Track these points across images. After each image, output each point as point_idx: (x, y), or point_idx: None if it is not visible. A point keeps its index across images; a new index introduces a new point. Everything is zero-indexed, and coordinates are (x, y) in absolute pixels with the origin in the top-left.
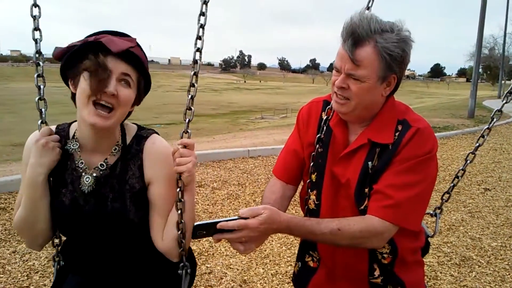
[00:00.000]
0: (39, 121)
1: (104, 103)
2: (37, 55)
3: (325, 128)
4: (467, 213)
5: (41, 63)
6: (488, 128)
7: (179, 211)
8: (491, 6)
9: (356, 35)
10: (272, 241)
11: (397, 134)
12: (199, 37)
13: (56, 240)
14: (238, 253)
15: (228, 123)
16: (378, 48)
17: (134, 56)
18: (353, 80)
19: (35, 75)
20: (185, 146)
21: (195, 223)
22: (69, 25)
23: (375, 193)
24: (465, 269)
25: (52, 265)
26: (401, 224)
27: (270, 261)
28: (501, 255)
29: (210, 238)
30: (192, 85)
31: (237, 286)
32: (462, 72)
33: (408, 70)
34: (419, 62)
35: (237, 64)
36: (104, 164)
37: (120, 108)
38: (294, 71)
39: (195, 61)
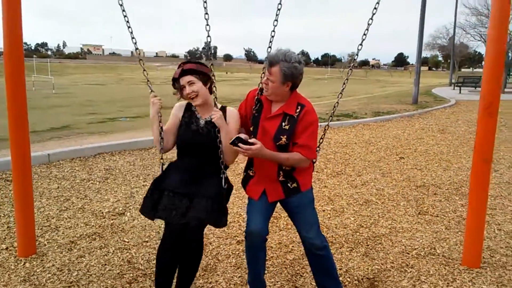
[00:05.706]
0: (150, 91)
1: (188, 97)
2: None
3: (258, 103)
4: (380, 174)
5: (142, 62)
6: (327, 125)
7: (219, 140)
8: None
9: (270, 60)
10: None
11: (297, 110)
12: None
13: (162, 151)
14: None
15: None
16: (280, 68)
17: (191, 70)
18: (270, 81)
19: (142, 71)
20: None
21: (237, 135)
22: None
23: (302, 145)
24: (364, 207)
25: (161, 163)
26: (313, 157)
27: None
28: (394, 198)
29: None
30: (213, 75)
31: None
32: (424, 61)
33: (373, 59)
34: (384, 51)
35: (203, 56)
36: (209, 118)
37: (197, 95)
38: (261, 62)
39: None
